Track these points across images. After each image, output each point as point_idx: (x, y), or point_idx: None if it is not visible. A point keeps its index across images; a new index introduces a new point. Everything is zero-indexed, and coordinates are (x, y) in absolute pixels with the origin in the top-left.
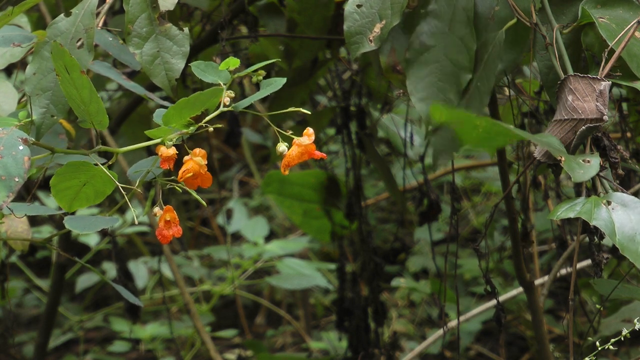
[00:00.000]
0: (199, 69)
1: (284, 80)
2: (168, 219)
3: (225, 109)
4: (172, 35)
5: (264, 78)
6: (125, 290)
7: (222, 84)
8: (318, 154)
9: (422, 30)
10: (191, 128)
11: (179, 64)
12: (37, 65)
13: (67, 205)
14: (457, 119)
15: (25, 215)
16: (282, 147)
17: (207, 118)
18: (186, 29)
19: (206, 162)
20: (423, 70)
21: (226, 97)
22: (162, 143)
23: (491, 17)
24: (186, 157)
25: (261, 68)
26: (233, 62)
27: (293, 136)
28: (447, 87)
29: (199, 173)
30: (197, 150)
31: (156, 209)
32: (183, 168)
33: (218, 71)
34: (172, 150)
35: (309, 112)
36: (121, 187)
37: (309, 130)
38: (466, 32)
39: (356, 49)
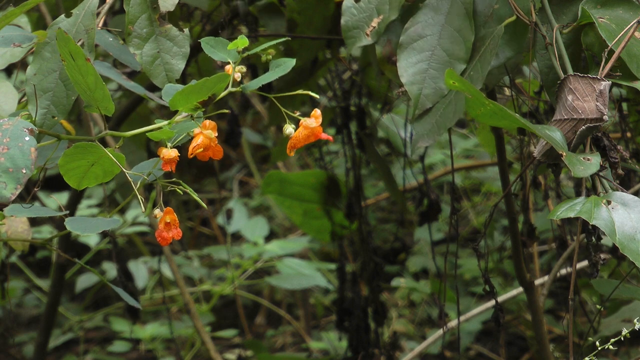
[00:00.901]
0: (208, 45)
1: (293, 61)
2: (168, 221)
3: (235, 89)
4: (172, 36)
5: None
6: (123, 292)
7: (231, 62)
8: (325, 136)
9: (417, 20)
10: (196, 117)
11: (179, 65)
12: (37, 65)
13: (76, 183)
14: (468, 90)
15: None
16: (289, 129)
17: (219, 97)
18: (186, 30)
19: (216, 135)
20: (415, 57)
21: (237, 72)
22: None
23: (490, 15)
24: (196, 131)
25: (270, 47)
26: (242, 42)
27: (300, 117)
28: (438, 76)
29: (209, 146)
30: (207, 122)
31: (156, 211)
32: (193, 143)
33: (227, 49)
34: (174, 152)
35: (317, 96)
36: (127, 173)
37: (317, 112)
38: (464, 25)
39: (353, 43)
